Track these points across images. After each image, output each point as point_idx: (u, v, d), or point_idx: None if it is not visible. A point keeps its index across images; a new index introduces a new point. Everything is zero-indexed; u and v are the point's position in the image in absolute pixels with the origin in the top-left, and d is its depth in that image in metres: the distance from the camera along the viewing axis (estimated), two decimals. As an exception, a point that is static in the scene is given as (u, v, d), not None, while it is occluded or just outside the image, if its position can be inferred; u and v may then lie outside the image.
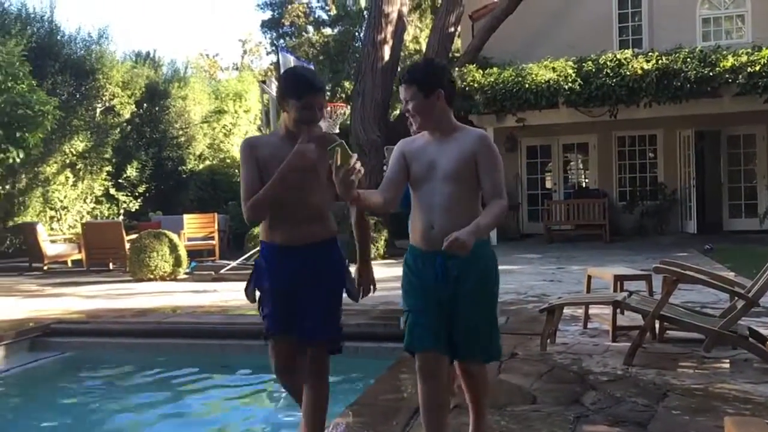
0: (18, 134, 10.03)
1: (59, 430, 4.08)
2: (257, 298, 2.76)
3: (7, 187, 12.82)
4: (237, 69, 30.37)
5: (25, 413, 4.44)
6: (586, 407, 3.30)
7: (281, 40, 24.07)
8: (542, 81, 12.01)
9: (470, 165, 2.46)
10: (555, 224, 14.15)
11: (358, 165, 2.19)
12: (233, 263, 9.92)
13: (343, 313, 2.77)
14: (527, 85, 12.07)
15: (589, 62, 12.13)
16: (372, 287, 2.80)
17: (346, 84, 21.33)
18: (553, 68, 12.19)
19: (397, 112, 17.67)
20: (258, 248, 9.50)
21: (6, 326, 5.98)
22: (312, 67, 13.13)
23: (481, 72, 12.61)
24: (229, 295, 7.81)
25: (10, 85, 10.11)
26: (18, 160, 10.23)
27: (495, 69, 12.69)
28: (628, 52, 12.32)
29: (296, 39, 23.94)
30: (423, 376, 2.47)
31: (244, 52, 32.51)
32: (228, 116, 18.86)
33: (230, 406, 4.44)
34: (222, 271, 9.66)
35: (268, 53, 28.41)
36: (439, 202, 2.45)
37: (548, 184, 15.69)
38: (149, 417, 4.13)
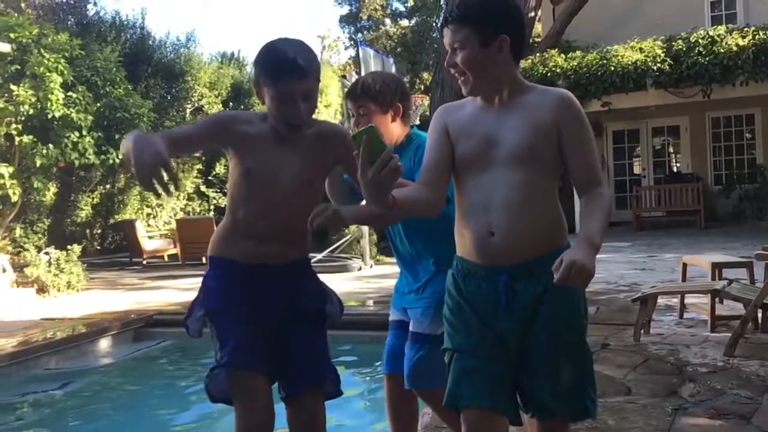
0: (117, 136, 10.61)
1: (164, 412, 4.33)
2: (202, 329, 2.06)
3: (108, 186, 13.60)
4: (317, 65, 30.84)
5: (132, 398, 4.73)
6: (684, 399, 3.19)
7: (359, 34, 24.30)
8: (629, 63, 11.57)
9: (549, 140, 1.71)
10: (645, 211, 13.64)
11: (396, 158, 1.52)
12: (319, 255, 10.14)
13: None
14: (613, 68, 11.66)
15: (679, 41, 11.58)
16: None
17: (425, 75, 21.29)
18: (641, 49, 11.72)
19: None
20: (345, 239, 9.55)
21: (112, 318, 6.39)
22: (391, 60, 13.17)
23: (564, 56, 12.29)
24: (316, 286, 7.99)
25: (108, 90, 10.71)
26: (117, 161, 10.82)
27: (578, 52, 12.34)
28: (722, 29, 11.67)
29: (374, 32, 24.11)
30: None
31: (323, 47, 33.00)
32: (315, 98, 19.18)
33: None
34: (308, 264, 9.89)
35: (346, 48, 28.77)
36: (502, 197, 1.69)
37: (637, 170, 15.13)
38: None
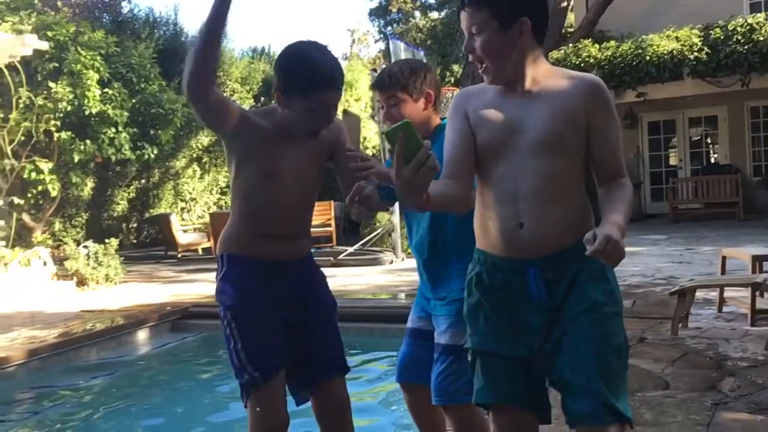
0: (151, 132, 10.79)
1: (200, 402, 4.40)
2: (231, 333, 2.04)
3: (143, 181, 13.83)
4: (346, 58, 30.90)
5: (170, 388, 4.81)
6: (724, 394, 3.14)
7: (389, 28, 24.26)
8: (665, 52, 11.35)
9: (577, 128, 1.62)
10: (681, 203, 13.39)
11: (433, 157, 1.41)
12: (351, 249, 10.19)
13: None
14: (648, 58, 11.45)
15: (717, 29, 11.32)
16: None
17: (455, 67, 21.16)
18: (677, 38, 11.49)
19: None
20: (377, 232, 9.55)
21: (149, 310, 6.51)
22: (422, 53, 13.13)
23: (597, 47, 12.11)
24: (349, 279, 8.04)
25: (143, 86, 10.88)
26: (152, 156, 11.01)
27: (612, 42, 12.14)
28: (761, 16, 11.37)
29: (403, 25, 24.03)
30: None
31: (353, 41, 33.03)
32: (339, 105, 19.26)
33: (356, 384, 4.59)
34: (340, 257, 9.95)
35: (376, 41, 28.75)
36: (531, 186, 1.60)
37: (673, 161, 14.86)
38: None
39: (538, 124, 1.61)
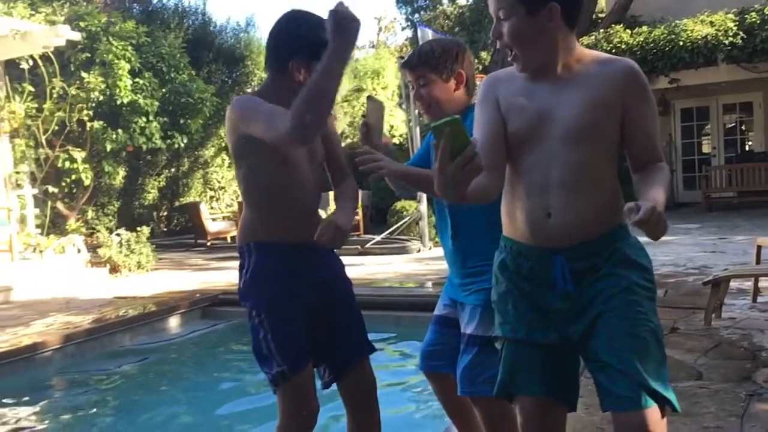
0: (181, 121, 10.89)
1: (231, 388, 4.47)
2: (261, 323, 1.99)
3: (173, 170, 14.02)
4: (373, 47, 30.85)
5: (201, 373, 4.89)
6: (759, 385, 3.08)
7: (416, 15, 24.08)
8: (698, 37, 11.11)
9: (612, 116, 1.56)
10: (715, 191, 13.14)
11: (479, 157, 1.38)
12: (378, 237, 10.20)
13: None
14: (681, 43, 11.23)
15: (753, 13, 11.04)
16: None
17: (483, 54, 20.97)
18: (711, 22, 11.23)
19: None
20: (404, 221, 9.53)
21: (180, 297, 6.61)
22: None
23: (629, 32, 11.90)
24: (376, 268, 8.06)
25: (172, 75, 10.98)
26: (182, 145, 11.12)
27: (644, 28, 11.92)
28: (801, -2, 11.08)
29: (431, 12, 23.84)
30: None
31: (380, 29, 32.92)
32: (366, 94, 19.27)
33: (384, 372, 4.62)
34: (367, 245, 9.97)
35: (403, 29, 28.58)
36: (560, 176, 1.56)
37: (706, 149, 14.57)
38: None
39: (569, 112, 1.56)
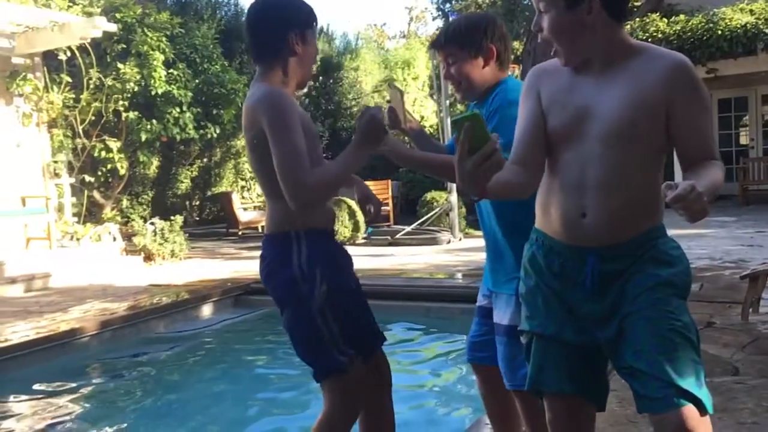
0: (214, 111, 11.01)
1: (262, 374, 4.53)
2: (321, 310, 1.93)
3: (205, 160, 14.17)
4: (404, 37, 30.73)
5: (232, 361, 4.96)
6: (798, 382, 3.02)
7: (447, 4, 23.89)
8: (738, 26, 10.85)
9: (655, 116, 1.49)
10: (752, 184, 12.84)
11: (498, 152, 1.35)
12: (408, 228, 10.20)
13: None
14: (720, 32, 10.97)
15: (796, 0, 10.74)
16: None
17: (516, 44, 20.75)
18: (751, 11, 10.96)
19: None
20: (435, 211, 9.49)
21: (212, 285, 6.71)
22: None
23: (666, 21, 11.66)
24: (406, 259, 8.07)
25: (206, 66, 11.09)
26: (214, 135, 11.24)
27: (682, 16, 11.67)
28: None
29: (463, 1, 23.64)
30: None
31: (411, 19, 32.77)
32: (397, 84, 19.24)
33: (403, 362, 4.63)
34: (397, 236, 9.98)
35: (434, 18, 28.31)
36: (597, 177, 1.52)
37: (744, 140, 14.24)
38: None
39: (609, 111, 1.50)
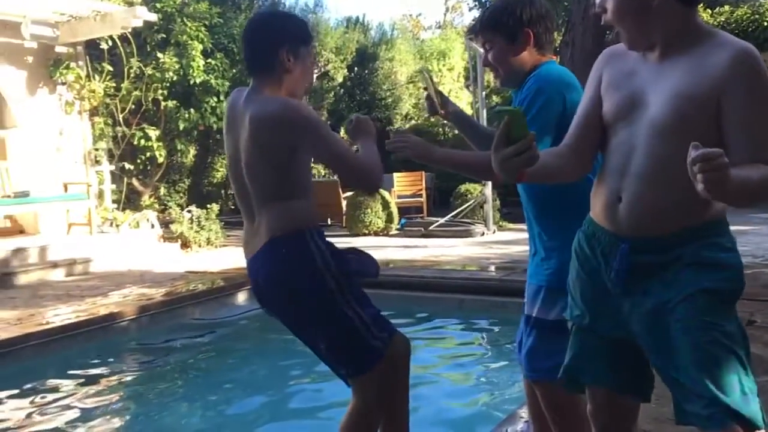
0: (250, 101, 11.09)
1: (294, 362, 4.57)
2: (347, 301, 2.02)
3: (241, 149, 14.32)
4: (439, 27, 30.54)
5: (266, 349, 5.02)
6: (844, 383, 2.94)
7: (484, -6, 23.66)
8: (785, 17, 10.54)
9: (705, 107, 1.40)
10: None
11: (534, 149, 1.38)
12: (441, 220, 10.17)
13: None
14: (766, 23, 10.67)
15: None
16: None
17: (555, 35, 20.47)
18: (800, 1, 10.63)
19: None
20: (469, 204, 9.41)
21: (244, 275, 6.77)
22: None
23: (710, 11, 11.38)
24: (439, 250, 8.05)
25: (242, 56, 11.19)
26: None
27: (726, 7, 11.39)
28: None
29: (500, -9, 23.38)
30: (598, 426, 1.64)
31: (447, 9, 32.53)
32: (432, 74, 19.14)
33: (435, 354, 4.63)
34: (431, 228, 9.96)
35: (470, 9, 27.98)
36: (638, 165, 1.47)
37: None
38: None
39: (658, 100, 1.43)
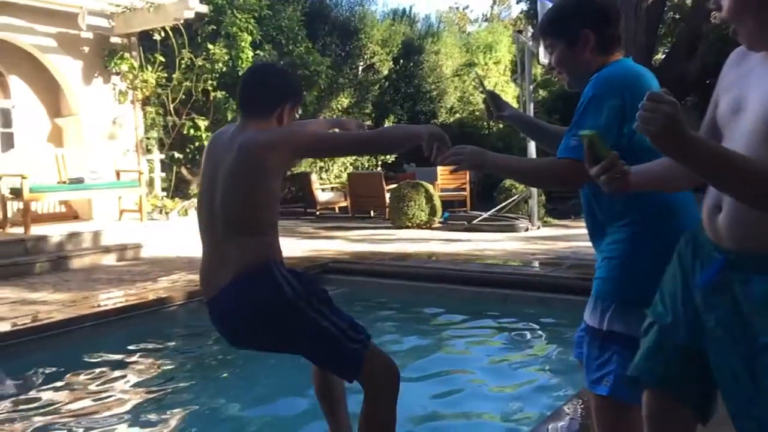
0: (297, 93, 11.21)
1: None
2: (324, 311, 2.21)
3: (286, 140, 14.48)
4: (486, 20, 30.28)
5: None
6: None
7: (533, -13, 23.34)
8: None
9: None
10: None
11: (620, 166, 1.40)
12: (485, 214, 10.13)
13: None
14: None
15: None
16: None
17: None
18: None
19: (660, 56, 16.22)
20: (513, 199, 9.31)
21: (292, 263, 6.85)
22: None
23: None
24: (482, 245, 8.03)
25: (291, 48, 11.31)
26: (297, 116, 11.45)
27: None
28: None
29: (549, -16, 23.04)
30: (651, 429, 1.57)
31: (494, 2, 32.21)
32: (478, 68, 19.01)
33: (479, 349, 4.62)
34: (474, 222, 9.92)
35: (518, 2, 27.77)
36: None
37: None
38: (414, 350, 4.50)
39: (756, 106, 1.32)
